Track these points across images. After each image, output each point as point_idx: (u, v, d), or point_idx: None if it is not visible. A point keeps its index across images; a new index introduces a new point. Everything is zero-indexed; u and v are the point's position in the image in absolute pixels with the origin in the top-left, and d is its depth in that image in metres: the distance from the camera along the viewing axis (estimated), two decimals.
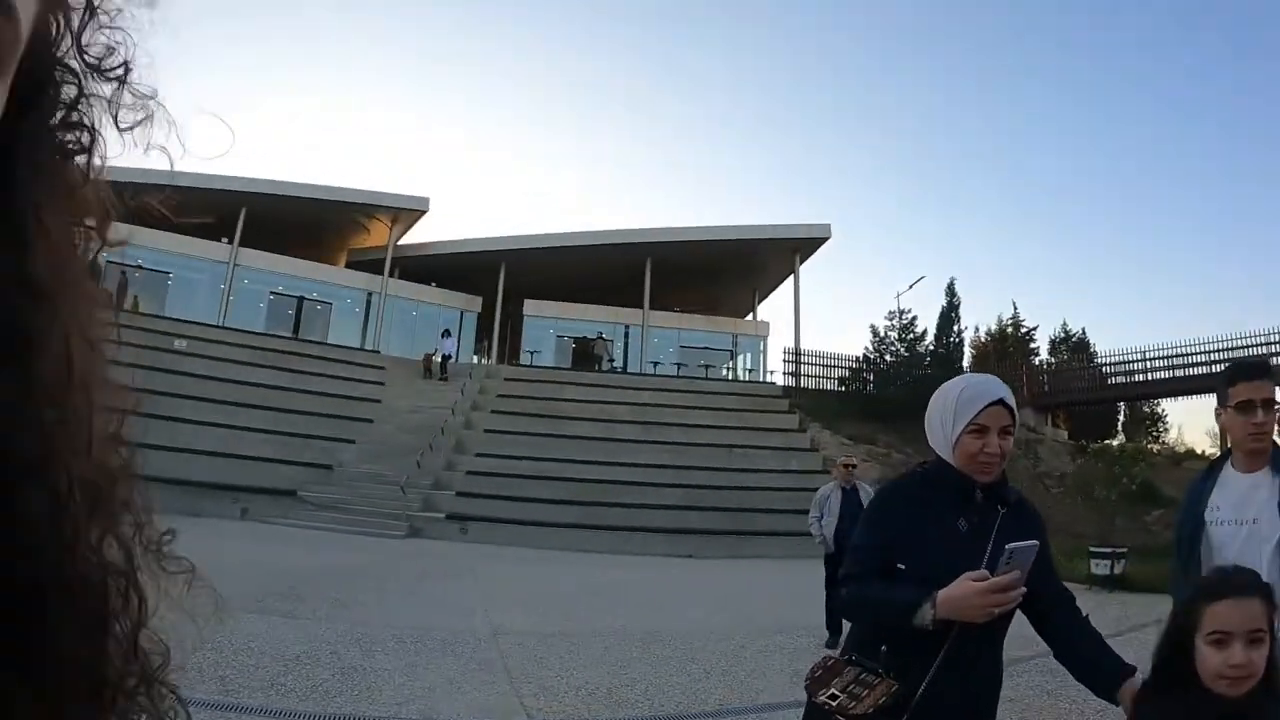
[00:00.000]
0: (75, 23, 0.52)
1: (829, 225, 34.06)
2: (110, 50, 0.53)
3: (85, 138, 0.54)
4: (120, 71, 0.54)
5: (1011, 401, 2.41)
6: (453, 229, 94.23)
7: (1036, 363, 37.18)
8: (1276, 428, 3.07)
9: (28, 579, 0.47)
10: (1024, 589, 2.22)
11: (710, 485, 21.97)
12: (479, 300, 34.76)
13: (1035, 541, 2.26)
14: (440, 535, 18.68)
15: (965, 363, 33.68)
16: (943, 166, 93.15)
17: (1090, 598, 10.38)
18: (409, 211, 33.31)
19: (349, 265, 35.72)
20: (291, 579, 10.43)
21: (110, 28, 0.53)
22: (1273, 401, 3.01)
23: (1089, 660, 2.38)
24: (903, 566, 2.33)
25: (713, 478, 22.48)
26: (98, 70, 0.53)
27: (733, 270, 35.23)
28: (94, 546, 0.51)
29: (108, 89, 0.54)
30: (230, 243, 29.57)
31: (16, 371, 0.47)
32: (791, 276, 34.62)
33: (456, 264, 34.61)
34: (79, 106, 0.53)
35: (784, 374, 33.08)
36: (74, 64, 0.53)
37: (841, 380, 32.15)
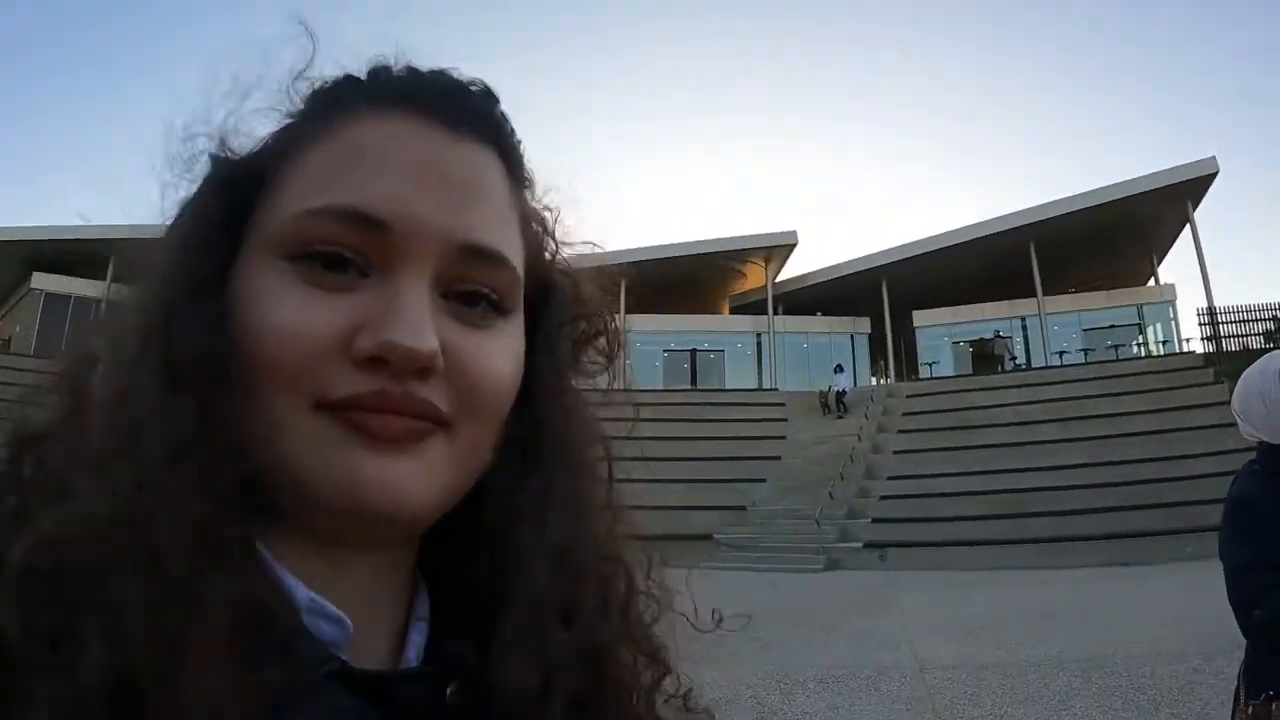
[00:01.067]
0: (552, 241, 0.64)
1: (1214, 158, 28.81)
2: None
3: (595, 324, 0.68)
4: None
5: None
6: (821, 255, 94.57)
7: None
8: None
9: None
10: None
11: (1139, 480, 19.16)
12: (866, 321, 34.35)
13: None
14: (859, 565, 18.24)
15: None
16: None
17: None
18: (780, 248, 33.96)
19: (732, 311, 37.02)
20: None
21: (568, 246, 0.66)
22: None
23: None
24: None
25: (1140, 471, 19.61)
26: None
27: (1121, 234, 31.28)
28: (649, 696, 0.66)
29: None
30: (618, 312, 31.97)
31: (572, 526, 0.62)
32: (1187, 226, 29.70)
33: (836, 290, 34.55)
34: (580, 300, 0.66)
35: (1200, 339, 28.42)
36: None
37: (1269, 335, 27.04)
